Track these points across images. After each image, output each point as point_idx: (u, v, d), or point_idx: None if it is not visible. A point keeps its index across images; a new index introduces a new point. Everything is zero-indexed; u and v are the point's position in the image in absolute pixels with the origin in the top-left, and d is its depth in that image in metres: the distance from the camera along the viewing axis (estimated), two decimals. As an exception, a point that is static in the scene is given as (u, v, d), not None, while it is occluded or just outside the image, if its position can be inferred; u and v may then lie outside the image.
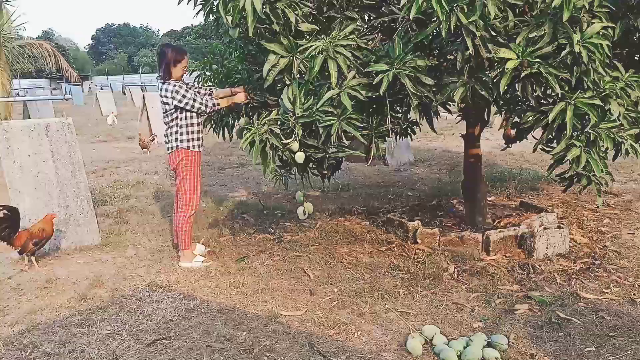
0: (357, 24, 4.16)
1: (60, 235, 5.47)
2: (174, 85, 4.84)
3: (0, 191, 5.36)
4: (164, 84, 4.90)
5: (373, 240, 5.47)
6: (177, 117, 4.91)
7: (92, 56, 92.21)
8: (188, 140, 4.94)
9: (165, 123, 5.02)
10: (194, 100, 4.85)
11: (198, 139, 5.01)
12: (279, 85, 4.34)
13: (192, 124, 4.94)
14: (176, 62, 4.93)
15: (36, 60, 15.76)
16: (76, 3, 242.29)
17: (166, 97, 4.85)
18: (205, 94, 5.12)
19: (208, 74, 5.62)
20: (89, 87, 49.70)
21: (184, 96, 4.81)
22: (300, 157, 4.10)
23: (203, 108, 4.89)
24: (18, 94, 27.63)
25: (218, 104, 4.99)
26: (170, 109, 4.89)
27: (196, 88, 5.17)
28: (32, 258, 5.03)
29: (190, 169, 4.99)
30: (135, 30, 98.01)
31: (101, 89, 38.10)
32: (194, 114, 4.93)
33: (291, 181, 4.84)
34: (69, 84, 37.39)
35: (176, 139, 4.94)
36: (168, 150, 5.06)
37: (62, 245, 5.48)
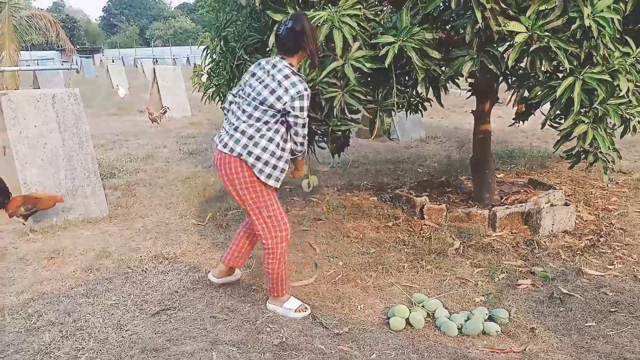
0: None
1: (67, 206, 5.50)
2: (306, 90, 3.27)
3: (7, 162, 5.37)
4: (294, 73, 3.29)
5: (380, 215, 5.46)
6: (275, 125, 3.33)
7: (104, 28, 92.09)
8: (266, 164, 3.36)
9: (248, 116, 3.33)
10: (305, 124, 3.36)
11: (282, 170, 3.47)
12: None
13: (284, 147, 3.43)
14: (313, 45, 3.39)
15: (44, 32, 15.82)
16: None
17: (287, 90, 3.22)
18: None
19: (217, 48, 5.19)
20: (100, 60, 49.70)
21: (306, 110, 3.30)
22: None
23: (301, 140, 3.42)
24: (29, 65, 27.64)
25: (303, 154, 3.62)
26: (277, 111, 3.27)
27: None
28: (24, 222, 5.12)
29: (261, 191, 3.52)
30: (147, 1, 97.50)
31: (112, 61, 37.99)
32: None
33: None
34: (79, 57, 37.49)
35: (248, 144, 3.31)
36: (219, 147, 3.40)
37: (69, 216, 5.50)
